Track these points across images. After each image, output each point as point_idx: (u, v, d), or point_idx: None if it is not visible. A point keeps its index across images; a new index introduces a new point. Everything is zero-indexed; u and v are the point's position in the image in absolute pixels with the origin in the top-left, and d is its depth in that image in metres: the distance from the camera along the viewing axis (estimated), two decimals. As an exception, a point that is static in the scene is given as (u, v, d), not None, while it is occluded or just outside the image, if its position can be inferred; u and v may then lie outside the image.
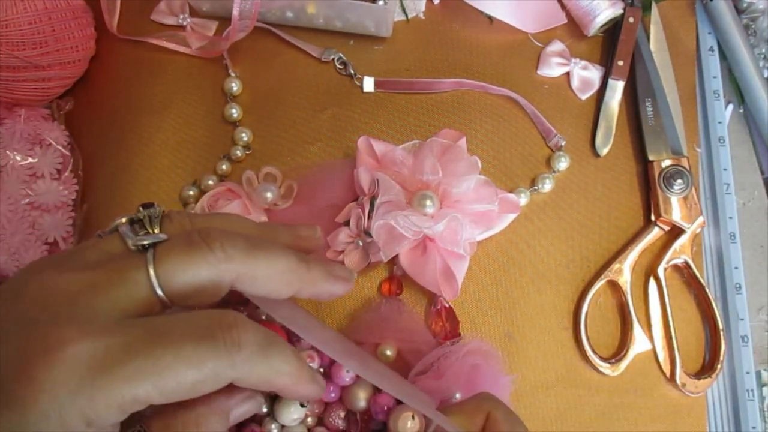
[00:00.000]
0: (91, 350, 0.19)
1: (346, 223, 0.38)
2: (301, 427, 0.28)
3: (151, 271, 0.21)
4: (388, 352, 0.37)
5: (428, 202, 0.37)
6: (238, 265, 0.22)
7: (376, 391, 0.29)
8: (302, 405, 0.27)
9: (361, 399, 0.28)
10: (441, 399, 0.32)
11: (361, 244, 0.37)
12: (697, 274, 0.40)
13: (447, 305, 0.39)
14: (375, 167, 0.39)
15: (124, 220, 0.23)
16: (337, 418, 0.29)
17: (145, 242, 0.21)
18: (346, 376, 0.28)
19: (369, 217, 0.36)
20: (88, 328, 0.19)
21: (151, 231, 0.22)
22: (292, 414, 0.27)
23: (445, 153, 0.39)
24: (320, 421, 0.29)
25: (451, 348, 0.36)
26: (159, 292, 0.21)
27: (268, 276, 0.23)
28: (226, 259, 0.21)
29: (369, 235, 0.36)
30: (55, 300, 0.20)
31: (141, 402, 0.19)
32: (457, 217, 0.36)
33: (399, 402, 0.28)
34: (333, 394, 0.29)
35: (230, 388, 0.21)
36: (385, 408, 0.28)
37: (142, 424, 0.22)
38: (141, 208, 0.23)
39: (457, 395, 0.33)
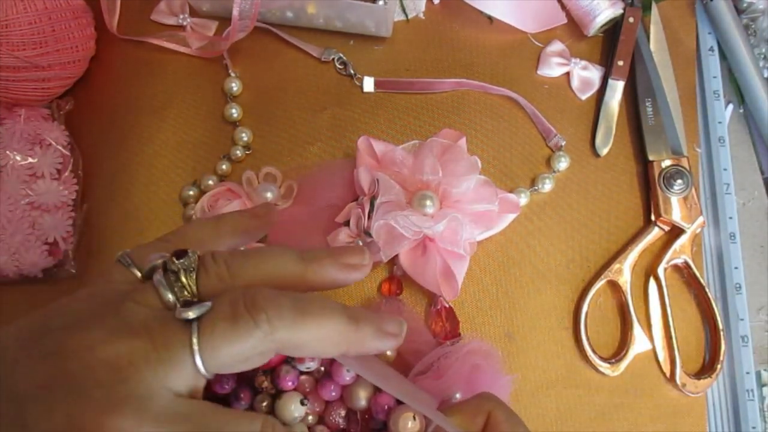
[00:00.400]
0: None
1: (346, 223, 0.38)
2: (301, 425, 0.28)
3: (196, 351, 0.20)
4: (388, 353, 0.37)
5: (428, 202, 0.37)
6: (285, 335, 0.21)
7: (377, 390, 0.28)
8: (302, 403, 0.27)
9: (361, 398, 0.28)
10: (441, 399, 0.32)
11: (361, 244, 0.37)
12: (697, 274, 0.40)
13: (447, 305, 0.39)
14: (375, 167, 0.39)
15: (159, 262, 0.22)
16: (338, 416, 0.29)
17: (190, 316, 0.21)
18: (346, 375, 0.28)
19: (369, 217, 0.36)
20: (144, 415, 0.19)
21: (187, 284, 0.22)
22: (293, 412, 0.27)
23: (445, 153, 0.39)
24: (321, 419, 0.29)
25: (451, 348, 0.36)
26: (203, 370, 0.21)
27: (314, 341, 0.22)
28: (272, 332, 0.21)
29: (369, 235, 0.36)
30: (106, 373, 0.20)
31: None
32: (457, 217, 0.36)
33: (400, 401, 0.28)
34: (333, 393, 0.29)
35: None
36: (386, 407, 0.28)
37: None
38: (175, 259, 0.22)
39: (457, 395, 0.33)
